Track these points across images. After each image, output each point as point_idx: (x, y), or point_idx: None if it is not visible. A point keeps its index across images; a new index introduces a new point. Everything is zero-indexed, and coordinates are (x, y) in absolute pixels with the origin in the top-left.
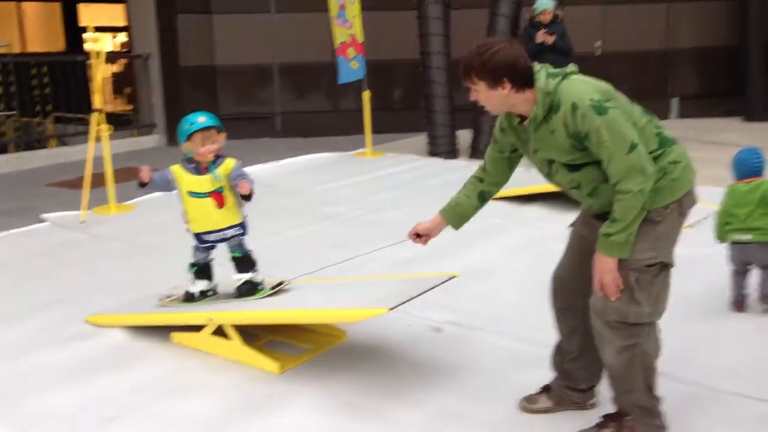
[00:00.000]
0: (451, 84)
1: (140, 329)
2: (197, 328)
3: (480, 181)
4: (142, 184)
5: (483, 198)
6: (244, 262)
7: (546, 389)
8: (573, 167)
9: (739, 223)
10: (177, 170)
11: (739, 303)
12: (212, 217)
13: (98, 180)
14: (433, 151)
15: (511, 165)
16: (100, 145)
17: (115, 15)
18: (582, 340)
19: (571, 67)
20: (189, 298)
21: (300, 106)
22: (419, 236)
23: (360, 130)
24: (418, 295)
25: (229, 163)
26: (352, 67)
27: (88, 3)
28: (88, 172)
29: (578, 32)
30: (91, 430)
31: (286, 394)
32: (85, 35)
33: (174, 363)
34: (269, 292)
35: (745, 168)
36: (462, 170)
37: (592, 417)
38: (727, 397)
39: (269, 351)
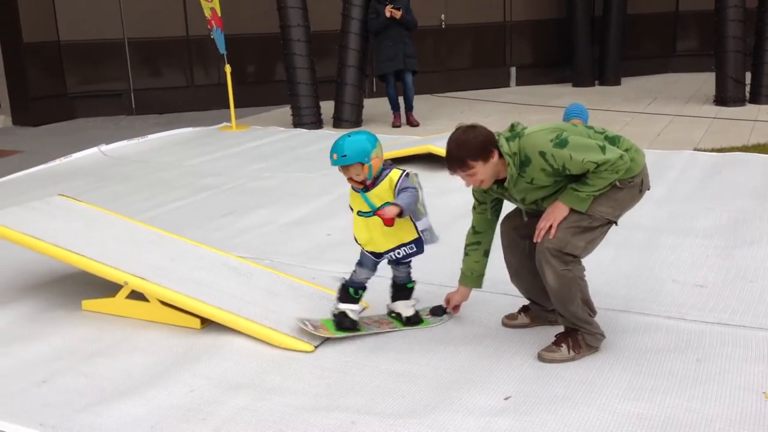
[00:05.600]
0: (312, 55)
1: (48, 302)
2: (110, 293)
3: (478, 244)
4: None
5: (487, 254)
6: (402, 290)
7: (524, 309)
8: (558, 191)
9: None
10: (350, 190)
11: None
12: (378, 238)
13: None
14: (298, 122)
15: (496, 214)
16: None
17: None
18: (529, 274)
19: (519, 126)
20: (348, 325)
21: (154, 82)
22: (454, 308)
23: (216, 105)
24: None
25: (393, 176)
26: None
27: None
28: None
29: (420, 6)
30: (25, 393)
31: (212, 345)
32: None
33: (93, 327)
34: (436, 323)
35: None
36: (328, 139)
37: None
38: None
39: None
